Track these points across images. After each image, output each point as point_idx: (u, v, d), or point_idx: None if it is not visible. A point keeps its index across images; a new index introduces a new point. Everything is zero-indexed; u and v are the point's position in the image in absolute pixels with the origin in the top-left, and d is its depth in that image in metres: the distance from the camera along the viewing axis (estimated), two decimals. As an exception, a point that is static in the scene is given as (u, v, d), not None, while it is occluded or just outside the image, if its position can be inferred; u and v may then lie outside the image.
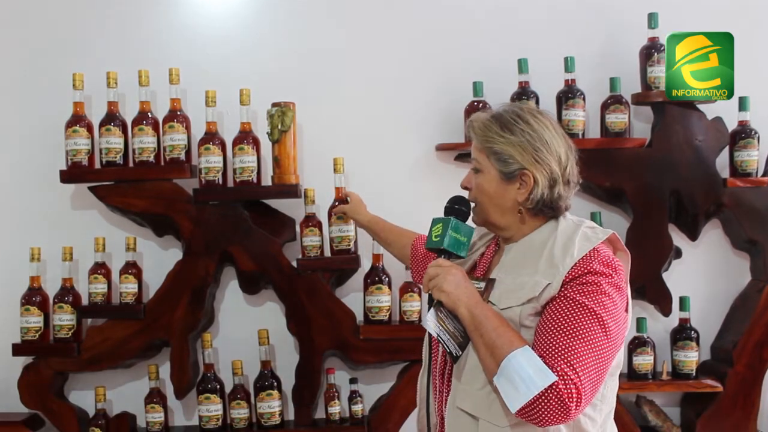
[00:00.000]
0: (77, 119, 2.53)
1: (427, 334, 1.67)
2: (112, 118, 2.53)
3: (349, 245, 2.53)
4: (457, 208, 1.67)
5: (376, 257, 2.55)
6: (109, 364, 2.56)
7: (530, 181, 1.58)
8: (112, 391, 2.68)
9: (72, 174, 2.54)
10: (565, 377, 1.43)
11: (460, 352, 1.58)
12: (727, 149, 2.66)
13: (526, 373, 1.44)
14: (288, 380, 2.59)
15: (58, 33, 2.69)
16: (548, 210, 1.61)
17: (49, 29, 2.69)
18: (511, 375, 1.45)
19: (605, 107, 2.61)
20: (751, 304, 2.62)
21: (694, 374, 2.61)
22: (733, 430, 2.59)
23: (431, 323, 1.57)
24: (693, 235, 2.65)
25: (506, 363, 1.46)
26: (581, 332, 1.47)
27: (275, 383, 2.55)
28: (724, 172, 2.67)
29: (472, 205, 1.69)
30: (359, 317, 2.58)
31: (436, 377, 1.70)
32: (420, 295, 2.55)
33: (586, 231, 1.58)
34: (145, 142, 2.52)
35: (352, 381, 2.62)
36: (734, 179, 2.62)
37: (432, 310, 1.58)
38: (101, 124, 2.53)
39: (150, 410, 2.56)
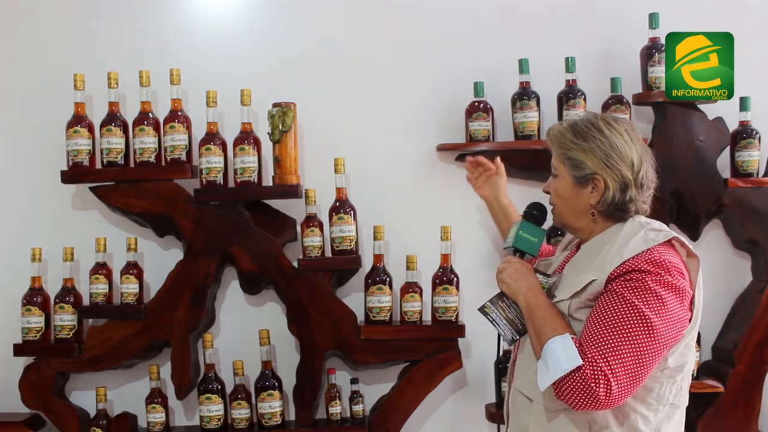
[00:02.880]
0: (78, 119, 2.53)
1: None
2: (113, 118, 2.54)
3: (350, 245, 2.52)
4: (535, 213, 1.86)
5: (377, 257, 2.55)
6: (110, 365, 2.56)
7: (601, 185, 1.69)
8: (113, 391, 2.69)
9: (73, 174, 2.54)
10: (594, 364, 1.53)
11: (518, 337, 1.77)
12: (728, 149, 2.66)
13: (557, 356, 1.56)
14: (289, 380, 2.59)
15: (59, 33, 2.69)
16: (619, 213, 1.71)
17: (50, 29, 2.69)
18: (546, 357, 1.58)
19: (606, 107, 2.60)
20: (752, 304, 2.62)
21: (695, 374, 2.61)
22: (735, 430, 2.59)
23: (494, 312, 1.77)
24: (694, 235, 2.65)
25: (546, 346, 1.60)
26: (619, 324, 1.56)
27: (276, 383, 2.55)
28: (725, 172, 2.67)
29: (550, 207, 1.83)
30: (360, 317, 2.58)
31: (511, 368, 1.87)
32: (421, 295, 2.55)
33: (647, 233, 1.66)
34: (146, 142, 2.52)
35: (353, 381, 2.62)
36: (735, 179, 2.62)
37: (494, 298, 1.78)
38: (102, 125, 2.53)
39: (151, 410, 2.56)
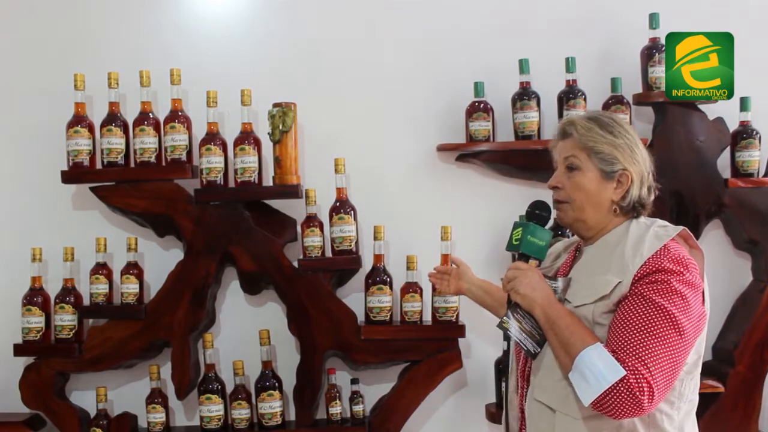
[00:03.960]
0: (78, 120, 2.53)
1: (512, 340, 1.76)
2: (113, 118, 2.54)
3: (351, 245, 2.53)
4: (537, 213, 1.79)
5: (378, 257, 2.55)
6: (110, 365, 2.56)
7: (627, 181, 1.70)
8: (114, 391, 2.69)
9: (73, 174, 2.54)
10: (636, 372, 1.51)
11: (539, 349, 1.69)
12: (728, 150, 2.66)
13: (597, 369, 1.53)
14: (289, 380, 2.59)
15: (60, 34, 2.70)
16: (640, 208, 1.73)
17: (50, 30, 2.70)
18: (584, 370, 1.54)
19: (606, 107, 2.60)
20: (753, 304, 2.62)
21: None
22: (735, 430, 2.59)
23: (511, 325, 1.69)
24: (694, 235, 2.62)
25: (579, 359, 1.56)
26: (652, 328, 1.54)
27: (276, 383, 2.55)
28: (726, 172, 2.67)
29: (559, 204, 1.76)
30: (360, 318, 2.58)
31: (518, 377, 1.81)
32: (421, 295, 2.55)
33: (657, 230, 1.66)
34: (146, 142, 2.52)
35: (353, 381, 2.62)
36: (735, 180, 2.62)
37: (509, 311, 1.70)
38: (102, 125, 2.53)
39: (151, 410, 2.56)
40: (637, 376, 1.51)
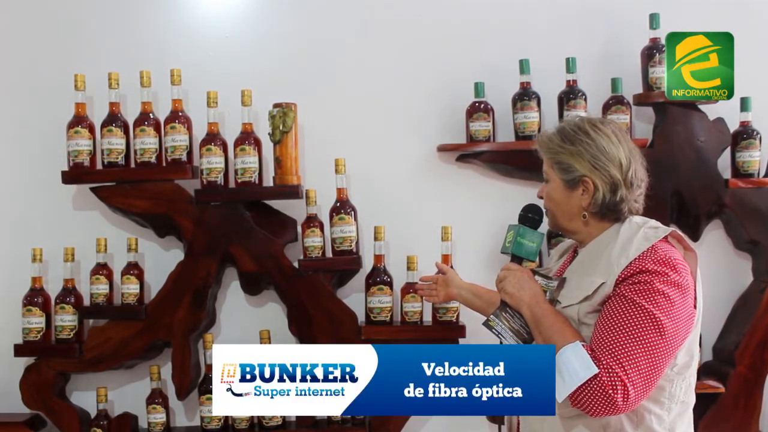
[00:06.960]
0: (79, 120, 2.53)
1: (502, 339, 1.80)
2: (113, 118, 2.54)
3: (351, 246, 2.52)
4: (530, 216, 1.86)
5: (378, 258, 2.55)
6: (110, 365, 2.56)
7: (590, 187, 1.72)
8: (114, 391, 2.69)
9: (73, 175, 2.54)
10: (610, 370, 1.53)
11: None
12: (728, 150, 2.66)
13: (572, 366, 1.55)
14: (289, 381, 2.58)
15: (60, 34, 2.70)
16: (612, 213, 1.73)
17: (51, 30, 2.69)
18: (560, 367, 1.56)
19: (607, 108, 2.61)
20: (753, 304, 2.62)
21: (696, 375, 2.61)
22: (735, 431, 2.59)
23: (498, 324, 1.75)
24: (695, 235, 2.65)
25: (558, 356, 1.58)
26: (631, 328, 1.56)
27: (277, 384, 2.55)
28: (726, 172, 2.67)
29: (545, 211, 1.84)
30: (361, 318, 2.58)
31: None
32: (422, 296, 2.55)
33: (646, 231, 1.67)
34: (146, 142, 2.52)
35: (354, 382, 2.61)
36: (736, 180, 2.62)
37: (497, 310, 1.76)
38: (103, 125, 2.53)
39: (152, 411, 2.56)
40: (611, 375, 1.53)
